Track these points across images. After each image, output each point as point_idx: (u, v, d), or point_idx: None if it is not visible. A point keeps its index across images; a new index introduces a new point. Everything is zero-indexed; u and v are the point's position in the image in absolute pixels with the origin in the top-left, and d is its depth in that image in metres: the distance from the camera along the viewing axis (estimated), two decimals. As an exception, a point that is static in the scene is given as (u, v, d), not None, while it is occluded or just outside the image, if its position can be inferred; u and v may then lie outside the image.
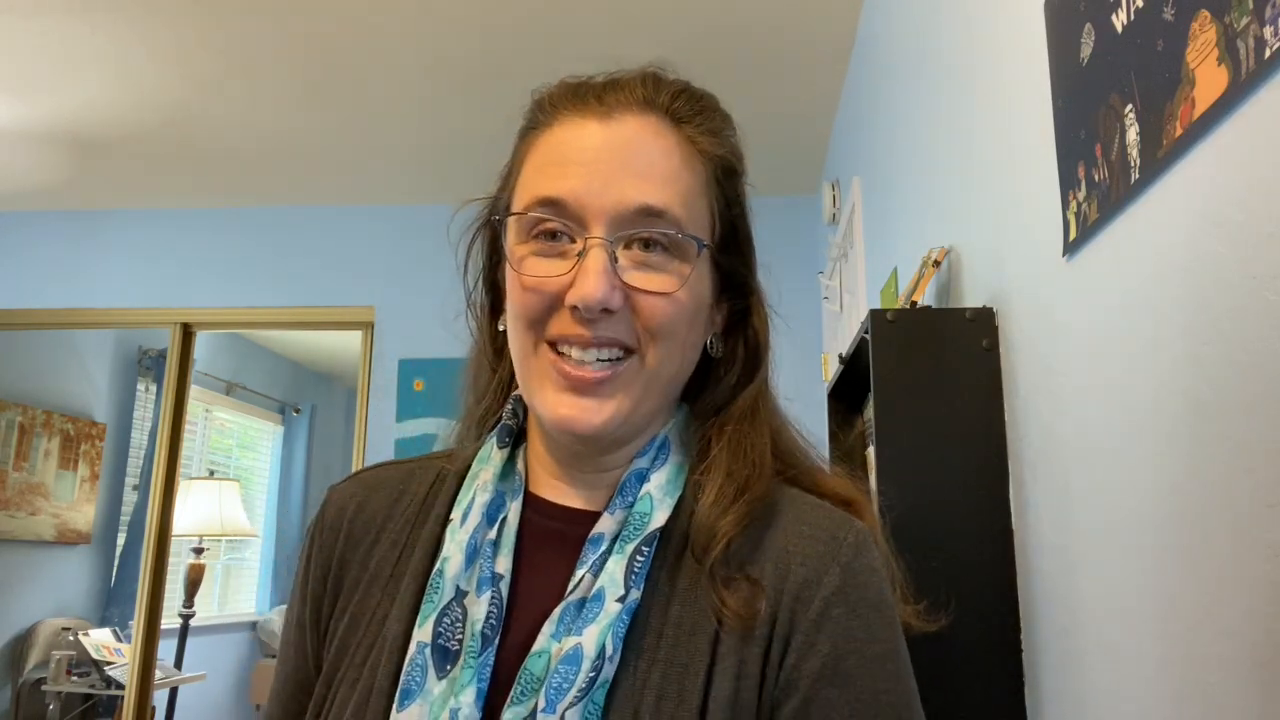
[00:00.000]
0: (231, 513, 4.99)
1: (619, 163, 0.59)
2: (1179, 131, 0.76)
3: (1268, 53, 0.63)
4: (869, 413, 1.44)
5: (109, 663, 4.17)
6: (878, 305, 2.14)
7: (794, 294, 3.43)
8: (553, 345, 0.60)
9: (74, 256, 3.91)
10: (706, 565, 0.58)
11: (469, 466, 0.67)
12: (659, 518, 0.60)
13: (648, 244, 0.59)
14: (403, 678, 0.58)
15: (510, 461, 0.66)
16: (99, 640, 4.28)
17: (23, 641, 4.23)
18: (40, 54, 2.73)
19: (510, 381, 0.69)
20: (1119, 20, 0.88)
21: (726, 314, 0.68)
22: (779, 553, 0.59)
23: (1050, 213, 1.08)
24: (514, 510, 0.63)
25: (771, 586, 0.58)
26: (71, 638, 4.22)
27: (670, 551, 0.60)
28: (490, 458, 0.66)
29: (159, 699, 4.16)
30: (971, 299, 1.39)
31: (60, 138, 3.29)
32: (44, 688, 4.09)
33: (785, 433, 0.68)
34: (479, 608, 0.59)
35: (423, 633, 0.59)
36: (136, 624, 3.66)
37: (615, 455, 0.64)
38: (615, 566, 0.58)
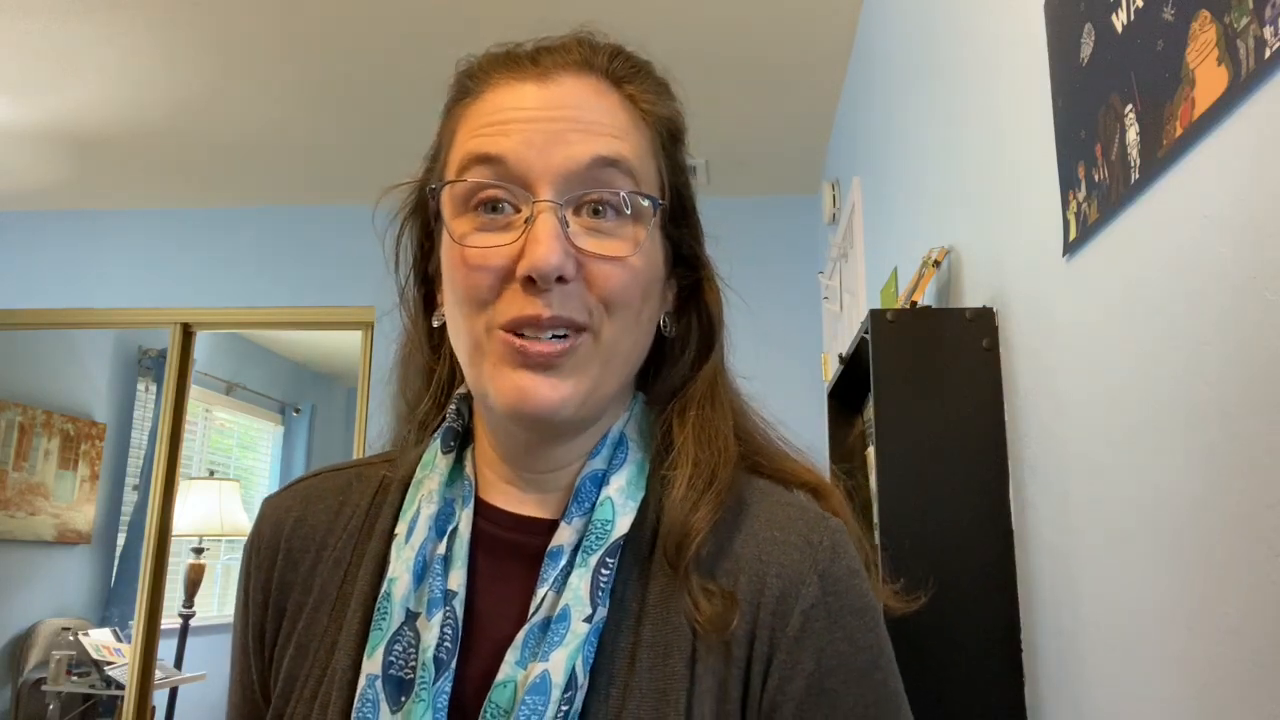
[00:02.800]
0: (231, 513, 4.99)
1: (564, 119, 0.54)
2: (1179, 131, 0.76)
3: (1268, 53, 0.63)
4: (869, 413, 1.44)
5: (109, 663, 4.17)
6: (878, 305, 2.14)
7: (794, 294, 3.47)
8: (508, 333, 0.55)
9: (74, 256, 3.91)
10: (680, 568, 0.54)
11: (413, 473, 0.62)
12: (622, 525, 0.55)
13: (598, 210, 0.54)
14: (354, 715, 0.53)
15: (458, 466, 0.61)
16: (99, 640, 4.28)
17: (23, 641, 4.23)
18: (40, 54, 2.73)
19: (450, 380, 0.65)
20: (1119, 20, 0.88)
21: (677, 290, 0.64)
22: (753, 563, 0.55)
23: (1050, 213, 1.08)
24: (465, 520, 0.58)
25: (747, 601, 0.54)
26: (71, 638, 4.22)
27: (637, 559, 0.56)
28: (435, 464, 0.60)
29: (159, 699, 4.16)
30: (971, 299, 1.39)
31: (60, 138, 3.29)
32: (44, 688, 4.09)
33: (745, 413, 0.64)
34: (431, 631, 0.53)
35: (372, 663, 0.53)
36: (136, 624, 3.66)
37: (568, 448, 0.59)
38: (579, 582, 0.53)
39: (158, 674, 3.85)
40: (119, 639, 4.41)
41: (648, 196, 0.56)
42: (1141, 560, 0.86)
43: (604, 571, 0.54)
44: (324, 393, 6.51)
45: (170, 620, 4.28)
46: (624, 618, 0.54)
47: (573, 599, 0.53)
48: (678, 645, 0.53)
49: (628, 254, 0.55)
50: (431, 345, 0.64)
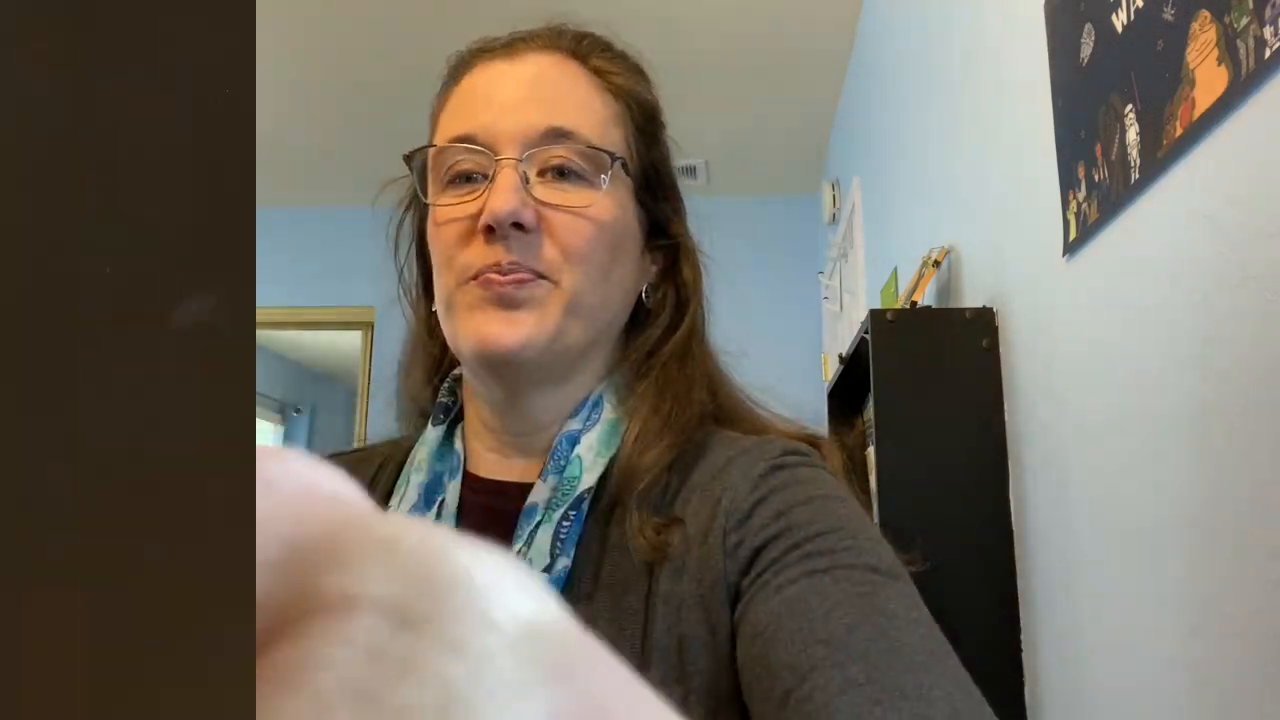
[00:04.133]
0: (231, 513, 4.99)
1: (526, 92, 0.59)
2: (1179, 131, 0.76)
3: (1268, 53, 0.63)
4: (869, 413, 1.44)
5: (109, 663, 4.17)
6: (878, 305, 2.14)
7: (794, 294, 3.47)
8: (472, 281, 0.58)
9: (74, 256, 3.91)
10: (630, 502, 0.55)
11: (410, 453, 0.65)
12: (588, 479, 0.57)
13: (561, 173, 0.58)
14: None
15: (448, 440, 0.64)
16: (99, 640, 4.29)
17: (23, 641, 4.24)
18: (40, 54, 2.73)
19: (443, 360, 0.68)
20: (1119, 20, 0.88)
21: (662, 266, 0.66)
22: (706, 487, 0.56)
23: (1050, 213, 1.08)
24: (452, 490, 0.60)
25: (698, 515, 0.54)
26: (71, 638, 4.23)
27: (604, 509, 0.58)
28: (426, 438, 0.64)
29: (159, 699, 4.16)
30: (971, 299, 1.39)
31: (60, 138, 3.29)
32: (44, 688, 4.09)
33: (723, 380, 0.65)
34: None
35: None
36: (136, 624, 3.66)
37: (545, 406, 0.60)
38: (543, 537, 0.55)
39: (158, 674, 3.85)
40: (119, 639, 4.41)
41: (606, 151, 0.59)
42: (1141, 560, 0.86)
43: (565, 524, 0.56)
44: (324, 393, 6.50)
45: (170, 620, 4.28)
46: (585, 565, 0.56)
47: (535, 554, 0.55)
48: (634, 582, 0.54)
49: (587, 205, 0.58)
50: (429, 329, 0.67)
